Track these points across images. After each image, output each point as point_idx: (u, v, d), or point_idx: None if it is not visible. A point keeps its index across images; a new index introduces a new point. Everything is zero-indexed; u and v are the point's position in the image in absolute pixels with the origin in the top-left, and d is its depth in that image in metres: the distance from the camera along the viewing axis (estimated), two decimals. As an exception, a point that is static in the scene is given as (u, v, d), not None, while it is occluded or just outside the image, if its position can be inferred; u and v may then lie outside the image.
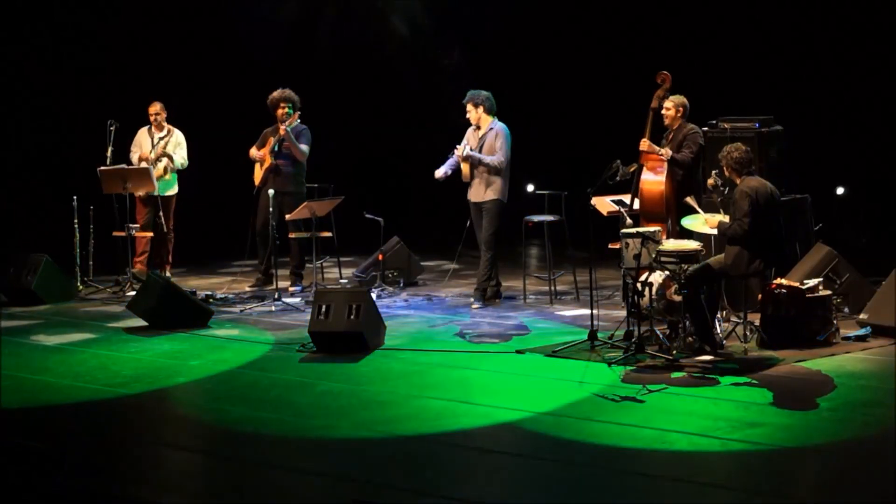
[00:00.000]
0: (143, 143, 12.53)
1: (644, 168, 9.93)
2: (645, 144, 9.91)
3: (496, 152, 10.88)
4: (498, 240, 11.04)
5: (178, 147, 12.52)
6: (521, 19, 15.31)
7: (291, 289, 11.94)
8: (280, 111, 11.95)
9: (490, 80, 11.38)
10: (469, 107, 11.02)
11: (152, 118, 12.49)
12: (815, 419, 7.30)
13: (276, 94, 12.02)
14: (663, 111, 10.14)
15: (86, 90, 14.82)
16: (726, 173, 8.99)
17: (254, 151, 12.09)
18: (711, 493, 6.18)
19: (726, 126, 10.80)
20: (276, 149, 11.91)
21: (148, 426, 7.74)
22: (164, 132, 12.52)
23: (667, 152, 9.91)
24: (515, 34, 15.41)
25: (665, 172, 9.90)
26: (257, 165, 12.10)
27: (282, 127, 11.82)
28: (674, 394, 7.86)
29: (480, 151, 10.95)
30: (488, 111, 10.99)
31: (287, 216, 11.67)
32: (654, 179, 9.93)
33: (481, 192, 10.98)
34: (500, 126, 10.98)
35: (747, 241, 8.73)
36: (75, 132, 14.39)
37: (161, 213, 12.34)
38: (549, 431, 7.18)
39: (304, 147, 11.95)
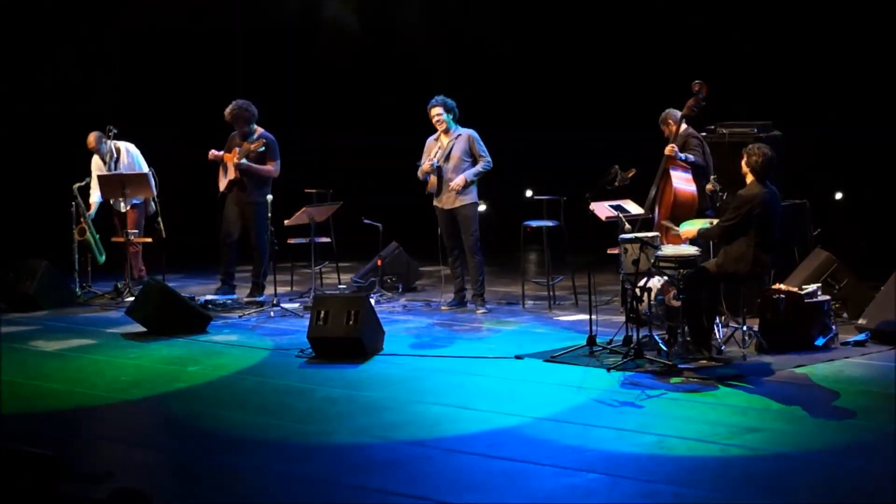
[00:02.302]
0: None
1: (670, 173, 9.91)
2: (670, 149, 9.91)
3: (476, 157, 10.89)
4: (483, 241, 11.06)
5: (136, 160, 12.37)
6: (521, 24, 15.32)
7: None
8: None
9: (491, 83, 11.38)
10: (441, 110, 10.93)
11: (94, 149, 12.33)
12: (815, 424, 7.30)
13: (227, 115, 11.60)
14: (663, 127, 10.17)
15: (85, 95, 14.83)
16: (744, 170, 8.94)
17: (215, 151, 11.72)
18: (710, 498, 6.18)
19: (725, 131, 10.79)
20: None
21: (147, 432, 7.74)
22: (115, 154, 12.36)
23: (688, 157, 9.95)
24: (517, 38, 15.43)
25: (692, 178, 9.92)
26: (220, 169, 11.82)
27: (238, 160, 11.47)
28: (673, 399, 7.86)
29: (448, 159, 10.92)
30: (455, 119, 10.99)
31: (286, 222, 11.65)
32: (685, 188, 9.90)
33: (453, 197, 10.97)
34: (467, 131, 10.98)
35: (760, 244, 8.70)
36: (75, 138, 14.40)
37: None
38: (548, 437, 7.17)
39: (271, 167, 11.59)
